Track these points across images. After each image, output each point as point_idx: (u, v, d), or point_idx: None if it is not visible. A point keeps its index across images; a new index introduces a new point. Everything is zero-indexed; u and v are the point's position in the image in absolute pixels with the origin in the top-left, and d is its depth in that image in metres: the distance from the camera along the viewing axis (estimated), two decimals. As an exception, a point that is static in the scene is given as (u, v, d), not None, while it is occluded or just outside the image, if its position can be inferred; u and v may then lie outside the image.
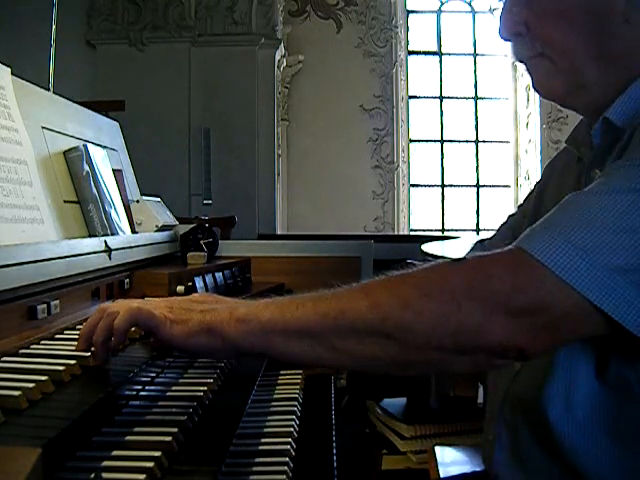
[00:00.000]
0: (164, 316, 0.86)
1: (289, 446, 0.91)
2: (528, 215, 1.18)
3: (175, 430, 0.81)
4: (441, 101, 9.14)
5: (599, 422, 0.88)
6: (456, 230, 8.77)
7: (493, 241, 1.27)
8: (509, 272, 0.76)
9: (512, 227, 1.24)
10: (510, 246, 0.80)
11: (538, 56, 0.98)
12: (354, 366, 0.86)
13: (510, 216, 1.27)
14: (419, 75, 9.07)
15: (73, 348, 0.96)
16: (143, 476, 0.68)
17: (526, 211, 1.20)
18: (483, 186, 9.16)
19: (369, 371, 1.04)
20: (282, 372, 1.45)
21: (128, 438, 0.78)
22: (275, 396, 1.27)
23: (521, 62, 1.02)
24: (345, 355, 0.80)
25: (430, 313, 0.75)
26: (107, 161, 1.75)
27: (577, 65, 0.96)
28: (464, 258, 0.81)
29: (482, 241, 1.30)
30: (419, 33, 9.14)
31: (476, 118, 9.13)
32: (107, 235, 1.56)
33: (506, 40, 1.02)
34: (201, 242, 2.05)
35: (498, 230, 1.28)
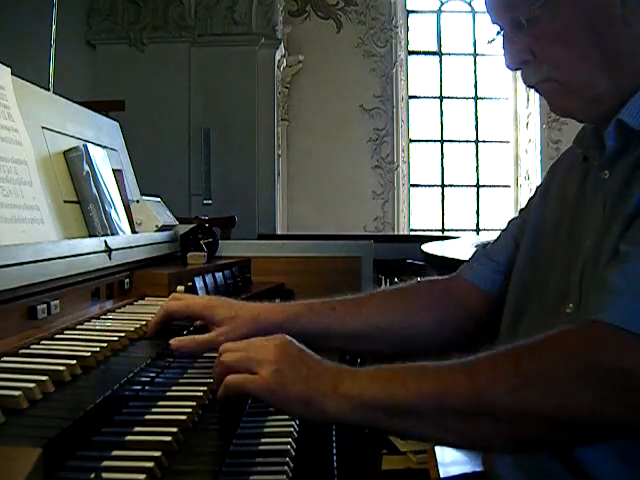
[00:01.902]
0: (261, 383, 0.85)
1: (289, 446, 0.91)
2: (529, 219, 1.18)
3: (175, 430, 0.81)
4: (441, 101, 9.14)
5: (608, 445, 0.88)
6: (456, 230, 8.77)
7: (495, 248, 1.26)
8: (606, 353, 0.75)
9: (514, 235, 1.23)
10: (592, 321, 0.79)
11: (547, 80, 0.99)
12: (463, 445, 0.87)
13: (511, 222, 1.26)
14: (419, 75, 9.07)
15: (73, 348, 0.96)
16: (143, 476, 0.68)
17: (527, 216, 1.20)
18: (483, 186, 9.16)
19: (480, 449, 1.04)
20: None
21: (128, 438, 0.78)
22: (275, 396, 1.26)
23: (532, 87, 1.02)
24: (453, 434, 0.79)
25: (539, 402, 0.75)
26: (107, 161, 1.75)
27: (587, 81, 0.96)
28: (551, 335, 0.80)
29: (484, 246, 1.29)
30: (419, 33, 9.14)
31: (476, 118, 9.13)
32: (107, 235, 1.56)
33: (514, 70, 1.02)
34: (201, 242, 2.05)
35: (499, 236, 1.28)
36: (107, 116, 2.26)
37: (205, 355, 1.23)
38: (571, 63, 0.96)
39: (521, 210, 1.25)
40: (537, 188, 1.23)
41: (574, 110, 1.01)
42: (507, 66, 1.02)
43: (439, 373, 0.81)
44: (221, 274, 1.85)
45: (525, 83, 1.03)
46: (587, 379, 0.75)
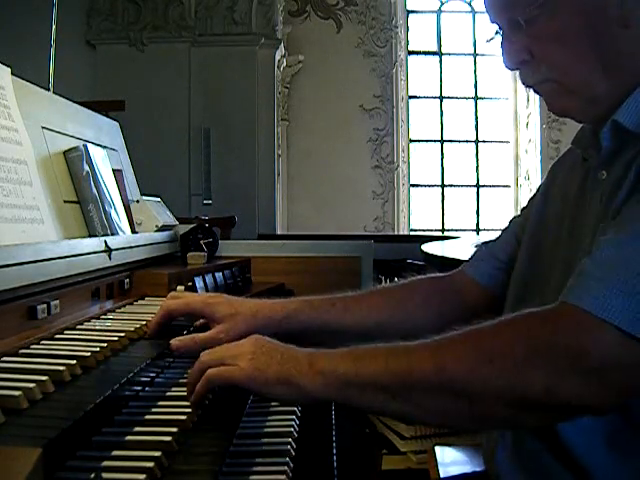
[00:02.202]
0: (239, 371, 0.88)
1: (289, 446, 0.91)
2: (530, 218, 1.18)
3: (175, 430, 0.81)
4: (441, 101, 9.14)
5: (600, 431, 0.89)
6: (456, 230, 8.77)
7: (497, 244, 1.26)
8: (569, 335, 0.76)
9: (515, 233, 1.23)
10: (559, 302, 0.80)
11: (545, 81, 0.99)
12: (431, 420, 0.89)
13: (512, 220, 1.27)
14: (419, 75, 9.07)
15: (73, 348, 0.96)
16: (143, 476, 0.68)
17: (528, 214, 1.20)
18: (483, 186, 9.16)
19: (446, 426, 1.06)
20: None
21: (128, 438, 0.78)
22: (275, 396, 1.26)
23: (530, 87, 1.02)
24: (420, 410, 0.82)
25: (495, 380, 0.77)
26: (107, 161, 1.75)
27: (585, 81, 0.96)
28: (517, 316, 0.82)
29: (486, 243, 1.30)
30: (419, 33, 9.14)
31: (476, 118, 9.14)
32: (107, 235, 1.56)
33: (512, 70, 1.02)
34: (201, 242, 2.05)
35: (501, 234, 1.28)
36: (107, 116, 2.26)
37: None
38: (569, 64, 0.96)
39: (523, 209, 1.26)
40: (539, 186, 1.23)
41: (573, 110, 1.01)
42: (506, 66, 1.02)
43: (407, 350, 0.83)
44: (221, 274, 1.85)
45: (523, 83, 1.03)
46: (543, 358, 0.76)
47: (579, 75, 0.96)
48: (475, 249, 1.31)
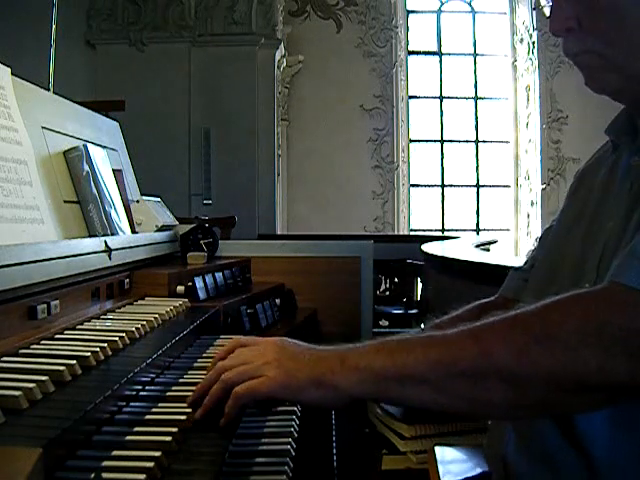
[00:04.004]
0: (269, 381, 0.84)
1: (289, 446, 0.91)
2: (557, 220, 1.18)
3: (175, 430, 0.81)
4: (441, 101, 9.15)
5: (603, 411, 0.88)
6: (456, 230, 8.78)
7: (526, 259, 1.26)
8: (619, 313, 0.75)
9: (542, 240, 1.23)
10: (608, 282, 0.79)
11: (588, 52, 0.96)
12: (471, 410, 0.86)
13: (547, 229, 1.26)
14: (419, 75, 9.08)
15: (73, 348, 0.96)
16: (143, 476, 0.68)
17: (555, 220, 1.20)
18: (483, 186, 9.17)
19: (486, 416, 1.03)
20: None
21: (128, 438, 0.78)
22: (275, 396, 1.26)
23: (571, 58, 1.00)
24: (461, 400, 0.80)
25: (546, 362, 0.75)
26: (107, 161, 1.75)
27: (629, 58, 0.93)
28: (562, 297, 0.80)
29: (518, 269, 1.29)
30: (419, 33, 9.15)
31: (476, 118, 9.14)
32: (107, 235, 1.56)
33: (557, 36, 1.00)
34: (201, 242, 2.05)
35: (535, 249, 1.27)
36: (107, 116, 2.26)
37: (204, 355, 1.23)
38: (618, 38, 0.93)
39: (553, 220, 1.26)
40: (572, 183, 1.22)
41: (610, 87, 0.98)
42: (551, 32, 0.99)
43: (446, 340, 0.81)
44: (221, 274, 1.85)
45: (565, 52, 0.99)
46: (597, 338, 0.75)
47: (625, 51, 0.93)
48: (509, 276, 1.31)
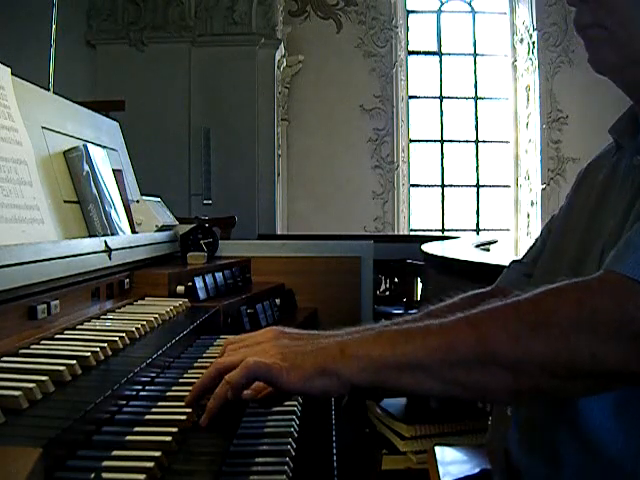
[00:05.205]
0: (279, 366, 0.84)
1: (289, 446, 0.91)
2: (558, 216, 1.18)
3: (175, 430, 0.81)
4: (441, 101, 9.15)
5: (609, 399, 0.88)
6: (456, 230, 8.78)
7: (526, 252, 1.26)
8: (613, 301, 0.76)
9: (543, 236, 1.23)
10: (604, 271, 0.80)
11: (597, 26, 0.95)
12: (467, 396, 0.86)
13: (544, 226, 1.27)
14: (419, 75, 9.08)
15: (73, 348, 0.96)
16: (143, 476, 0.68)
17: (556, 216, 1.20)
18: (483, 186, 9.17)
19: (481, 401, 1.02)
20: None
21: (128, 438, 0.78)
22: (275, 396, 1.26)
23: (581, 31, 0.99)
24: (457, 387, 0.81)
25: (540, 348, 0.76)
26: (107, 161, 1.75)
27: (635, 38, 0.93)
28: (558, 285, 0.81)
29: (518, 262, 1.29)
30: (419, 33, 9.15)
31: (476, 118, 9.14)
32: (107, 235, 1.56)
33: (572, 5, 0.99)
34: (201, 242, 2.05)
35: (532, 243, 1.28)
36: (107, 116, 2.26)
37: (204, 355, 1.23)
38: (629, 16, 0.92)
39: (553, 216, 1.26)
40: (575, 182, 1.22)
41: (611, 65, 0.97)
42: (567, 1, 0.99)
43: (443, 327, 0.82)
44: (221, 274, 1.85)
45: (576, 24, 0.98)
46: (588, 324, 0.75)
47: (633, 30, 0.92)
48: (507, 268, 1.31)
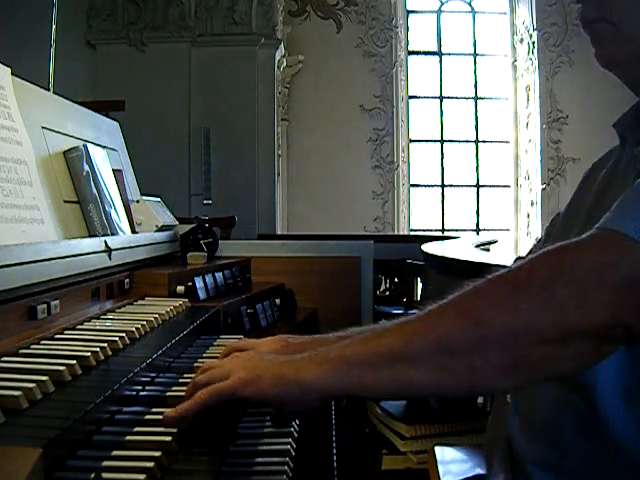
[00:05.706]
0: (239, 378, 0.81)
1: (289, 446, 0.91)
2: (563, 211, 1.19)
3: (175, 430, 0.81)
4: (441, 101, 9.14)
5: (617, 385, 0.86)
6: (456, 230, 8.77)
7: (531, 249, 1.27)
8: (596, 249, 0.73)
9: (548, 231, 1.23)
10: (592, 230, 0.76)
11: (603, 20, 0.95)
12: (453, 384, 0.77)
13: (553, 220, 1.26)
14: (419, 75, 9.08)
15: (73, 348, 0.96)
16: (143, 476, 0.68)
17: (561, 212, 1.20)
18: (483, 186, 9.17)
19: (473, 391, 0.98)
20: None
21: (128, 438, 0.78)
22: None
23: (586, 26, 0.99)
24: (443, 373, 0.74)
25: (524, 307, 0.72)
26: (107, 161, 1.75)
27: (639, 35, 0.93)
28: (548, 248, 0.77)
29: (522, 258, 1.29)
30: (419, 33, 9.15)
31: (476, 118, 9.14)
32: (107, 235, 1.56)
33: (578, 2, 0.98)
34: (201, 242, 2.05)
35: (539, 240, 1.28)
36: (107, 116, 2.26)
37: (204, 355, 1.23)
38: (633, 8, 0.92)
39: (558, 213, 1.26)
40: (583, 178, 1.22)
41: (617, 62, 0.97)
42: None
43: (422, 316, 0.78)
44: (221, 274, 1.85)
45: (582, 19, 0.98)
46: (572, 275, 0.72)
47: (637, 26, 0.92)
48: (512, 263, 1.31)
